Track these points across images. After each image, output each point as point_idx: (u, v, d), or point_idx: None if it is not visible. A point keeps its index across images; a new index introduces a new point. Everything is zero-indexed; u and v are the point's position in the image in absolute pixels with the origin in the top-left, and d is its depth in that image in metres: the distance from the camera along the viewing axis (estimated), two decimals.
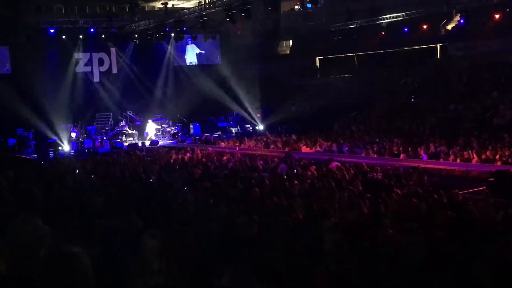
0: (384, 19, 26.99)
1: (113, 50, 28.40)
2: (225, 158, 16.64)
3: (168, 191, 9.62)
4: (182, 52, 31.02)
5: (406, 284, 4.66)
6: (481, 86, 23.66)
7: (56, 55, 26.09)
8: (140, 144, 23.89)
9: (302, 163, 14.29)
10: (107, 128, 26.62)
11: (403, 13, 26.33)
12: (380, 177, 11.78)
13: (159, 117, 27.37)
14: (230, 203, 7.95)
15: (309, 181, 10.93)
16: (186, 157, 17.22)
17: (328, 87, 27.78)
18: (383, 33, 27.29)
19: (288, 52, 34.49)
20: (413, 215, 7.50)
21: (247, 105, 28.04)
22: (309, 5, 32.88)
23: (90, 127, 25.99)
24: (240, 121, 28.66)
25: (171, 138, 26.62)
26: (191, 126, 28.13)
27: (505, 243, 5.41)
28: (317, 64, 33.11)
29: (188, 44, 30.57)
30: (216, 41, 30.80)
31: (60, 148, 23.19)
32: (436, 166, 14.22)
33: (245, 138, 23.20)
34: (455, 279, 4.69)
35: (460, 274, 4.66)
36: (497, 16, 25.42)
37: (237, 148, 19.48)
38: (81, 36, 26.51)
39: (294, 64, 32.05)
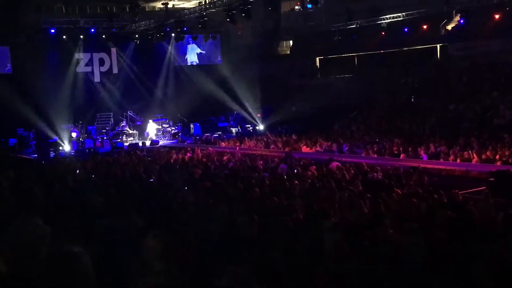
0: (384, 19, 26.98)
1: (113, 50, 28.40)
2: (225, 158, 16.64)
3: (168, 191, 9.62)
4: (183, 52, 31.02)
5: (406, 284, 4.66)
6: (481, 86, 23.65)
7: (56, 55, 26.09)
8: (140, 144, 23.87)
9: (302, 163, 14.27)
10: (107, 128, 26.62)
11: (403, 13, 26.33)
12: (380, 177, 11.78)
13: (159, 117, 27.36)
14: (231, 203, 7.95)
15: (309, 181, 10.93)
16: (186, 157, 17.21)
17: (328, 87, 27.77)
18: (383, 33, 27.25)
19: (288, 52, 34.46)
20: (413, 215, 7.51)
21: (247, 105, 28.04)
22: (309, 5, 32.94)
23: (91, 127, 26.00)
24: (241, 121, 28.65)
25: (171, 138, 26.60)
26: (192, 126, 28.12)
27: (505, 243, 5.42)
28: (317, 64, 33.09)
29: (189, 44, 30.58)
30: (216, 41, 30.78)
31: (60, 148, 23.18)
32: (436, 166, 14.21)
33: (246, 138, 23.21)
34: (455, 279, 4.69)
35: (460, 274, 4.67)
36: (497, 16, 25.40)
37: (237, 148, 19.49)
38: (81, 36, 26.48)
39: (294, 64, 32.02)
